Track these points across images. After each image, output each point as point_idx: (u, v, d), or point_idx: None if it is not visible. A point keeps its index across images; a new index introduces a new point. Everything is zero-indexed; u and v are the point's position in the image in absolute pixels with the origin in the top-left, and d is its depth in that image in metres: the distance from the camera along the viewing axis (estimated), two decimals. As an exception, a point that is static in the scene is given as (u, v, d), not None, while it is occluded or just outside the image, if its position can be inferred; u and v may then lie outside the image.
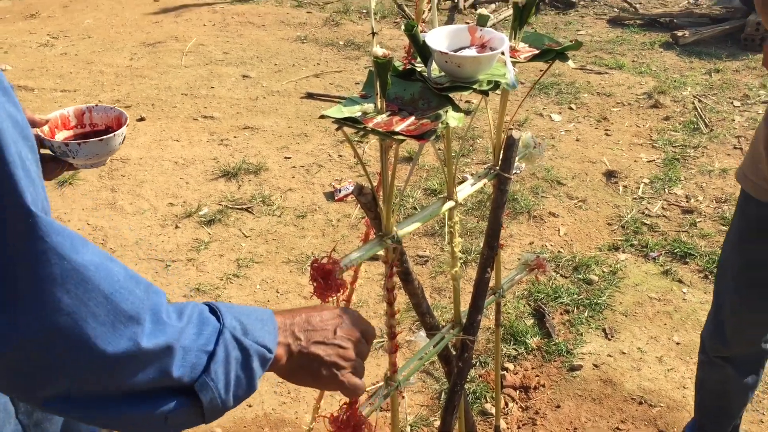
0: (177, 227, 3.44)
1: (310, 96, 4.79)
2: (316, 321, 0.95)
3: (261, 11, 6.48)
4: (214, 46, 5.63)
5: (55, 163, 1.23)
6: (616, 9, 6.32)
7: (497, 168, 1.48)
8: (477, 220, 3.40)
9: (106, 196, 3.68)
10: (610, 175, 3.85)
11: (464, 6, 6.36)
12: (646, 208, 3.55)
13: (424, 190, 3.70)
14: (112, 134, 1.20)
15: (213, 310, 0.83)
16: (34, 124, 1.21)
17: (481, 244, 1.50)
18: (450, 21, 6.14)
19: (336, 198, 3.68)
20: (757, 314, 1.78)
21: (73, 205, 3.59)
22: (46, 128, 1.24)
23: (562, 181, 3.79)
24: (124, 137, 1.24)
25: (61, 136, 1.28)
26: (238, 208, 3.60)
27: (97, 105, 1.28)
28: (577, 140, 4.21)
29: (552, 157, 4.02)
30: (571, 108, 4.59)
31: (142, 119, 4.45)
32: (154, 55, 5.46)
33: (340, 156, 4.04)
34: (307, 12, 6.45)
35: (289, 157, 4.06)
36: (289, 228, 3.46)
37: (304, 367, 0.91)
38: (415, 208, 3.56)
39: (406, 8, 6.29)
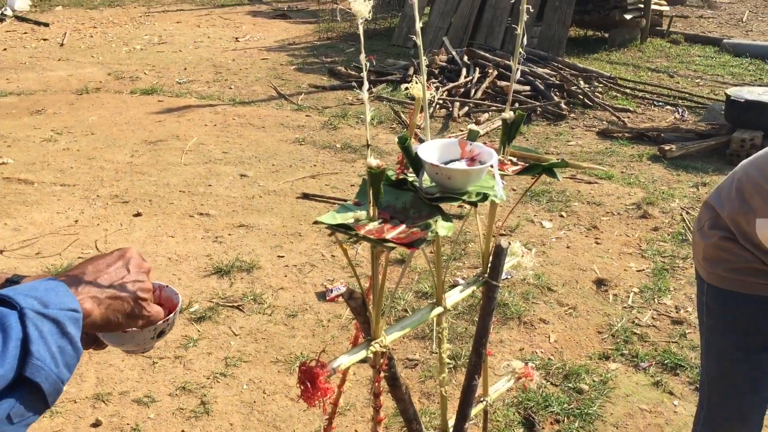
0: (166, 323, 3.42)
1: (306, 196, 4.87)
2: (105, 266, 0.98)
3: (262, 113, 6.68)
4: (214, 146, 5.77)
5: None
6: (605, 122, 6.54)
7: (486, 275, 1.51)
8: (467, 324, 3.40)
9: (98, 290, 3.67)
10: (600, 283, 3.88)
11: (458, 114, 6.58)
12: (636, 318, 3.56)
13: (415, 293, 3.71)
14: (138, 330, 1.12)
15: (3, 302, 0.83)
16: None
17: (470, 350, 1.51)
18: (444, 128, 6.33)
19: (327, 298, 3.69)
20: None
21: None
22: None
23: (552, 288, 3.81)
24: (162, 332, 1.16)
25: None
26: (229, 306, 3.59)
27: (167, 286, 1.29)
28: (568, 247, 4.27)
29: (543, 263, 4.06)
30: (561, 216, 4.68)
31: (138, 215, 4.51)
32: (155, 152, 5.58)
33: (333, 256, 4.07)
34: (306, 115, 6.65)
35: (283, 256, 4.09)
36: (279, 327, 3.44)
37: (117, 310, 0.95)
38: (406, 311, 3.56)
39: (402, 114, 6.49)
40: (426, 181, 1.31)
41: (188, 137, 5.92)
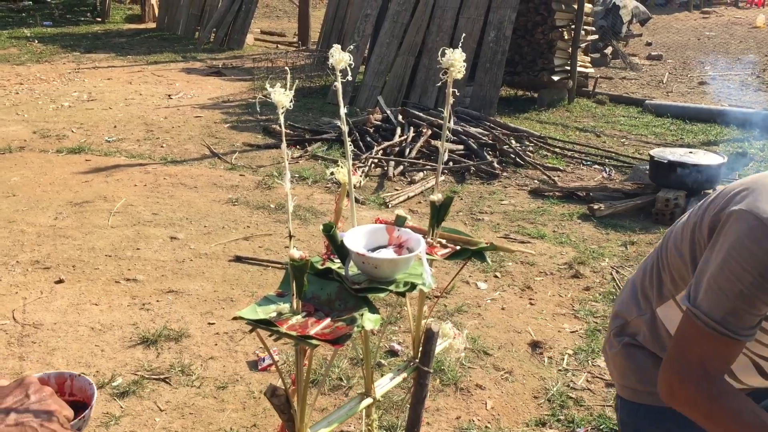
0: (87, 400, 3.24)
1: (239, 259, 4.77)
2: (2, 396, 0.91)
3: (194, 173, 6.57)
4: (144, 207, 5.62)
5: None
6: (536, 181, 6.67)
7: (416, 361, 1.46)
8: (404, 392, 3.33)
9: (13, 365, 3.46)
10: (535, 345, 3.88)
11: (393, 173, 6.61)
12: (571, 381, 3.56)
13: (350, 360, 3.63)
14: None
15: None
16: None
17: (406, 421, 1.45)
18: (380, 188, 6.34)
19: (259, 368, 3.57)
20: None
21: (-25, 375, 3.35)
22: None
23: (488, 351, 3.79)
24: (80, 429, 1.14)
25: None
26: (154, 378, 3.43)
27: (80, 375, 1.22)
28: (503, 309, 4.27)
29: (478, 326, 4.05)
30: (496, 276, 4.70)
31: (60, 281, 4.31)
32: (80, 214, 5.39)
33: (266, 323, 3.96)
34: (240, 175, 6.57)
35: (213, 323, 3.95)
36: (209, 400, 3.30)
37: None
38: (341, 379, 3.47)
39: (337, 175, 6.48)
40: (352, 268, 1.27)
41: (116, 198, 5.76)
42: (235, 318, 1.09)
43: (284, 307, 1.17)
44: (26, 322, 3.85)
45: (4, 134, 7.50)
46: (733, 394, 1.31)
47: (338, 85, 1.09)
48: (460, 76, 1.33)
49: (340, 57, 1.03)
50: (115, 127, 8.05)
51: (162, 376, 3.44)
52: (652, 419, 1.58)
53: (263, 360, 3.61)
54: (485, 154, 7.10)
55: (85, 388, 1.23)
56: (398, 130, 7.52)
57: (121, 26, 16.45)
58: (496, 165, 6.85)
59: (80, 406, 1.20)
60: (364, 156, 6.87)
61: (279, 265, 4.65)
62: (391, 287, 1.22)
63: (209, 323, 3.95)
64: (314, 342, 1.09)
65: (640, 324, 1.58)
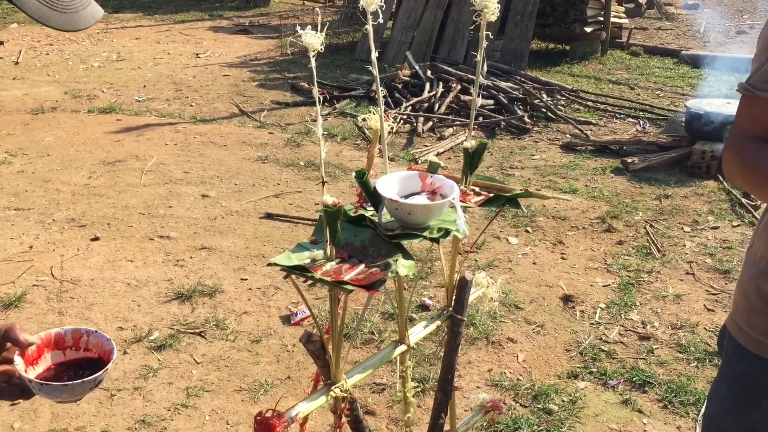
0: (125, 353, 3.31)
1: (270, 216, 4.79)
2: None
3: (223, 131, 6.59)
4: (175, 165, 5.66)
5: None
6: (568, 135, 6.57)
7: (450, 309, 1.46)
8: (436, 345, 3.35)
9: (53, 320, 3.55)
10: (567, 299, 3.86)
11: (422, 129, 6.55)
12: (604, 334, 3.55)
13: (381, 314, 3.65)
14: (80, 381, 1.16)
15: None
16: (17, 344, 1.17)
17: (440, 371, 1.46)
18: (409, 144, 6.30)
19: (292, 322, 3.61)
20: None
21: (17, 329, 3.44)
22: (33, 348, 1.20)
23: (519, 306, 3.78)
24: (100, 381, 1.17)
25: (44, 362, 1.23)
26: (190, 333, 3.49)
27: (96, 331, 1.25)
28: (534, 263, 4.25)
29: (509, 280, 4.04)
30: (527, 231, 4.66)
31: (96, 239, 4.38)
32: (113, 173, 5.45)
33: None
34: (269, 133, 6.57)
35: (246, 279, 4.00)
36: (243, 354, 3.36)
37: None
38: (373, 333, 3.50)
39: (367, 131, 6.45)
40: (385, 215, 1.26)
41: (148, 157, 5.80)
42: (269, 264, 1.09)
43: (318, 253, 1.17)
44: (64, 279, 3.93)
45: (36, 95, 7.58)
46: (761, 150, 1.40)
47: (369, 27, 1.06)
48: (494, 18, 1.30)
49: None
50: (144, 86, 8.08)
51: (197, 330, 3.50)
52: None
53: (296, 314, 3.65)
54: (516, 108, 6.99)
55: (102, 344, 1.26)
56: (427, 86, 7.44)
57: (147, -14, 16.39)
58: (526, 119, 6.75)
59: (95, 361, 1.23)
60: (393, 111, 6.82)
61: (309, 221, 4.66)
62: (425, 233, 1.21)
63: (242, 279, 3.99)
64: (349, 287, 1.08)
65: None
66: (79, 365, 1.22)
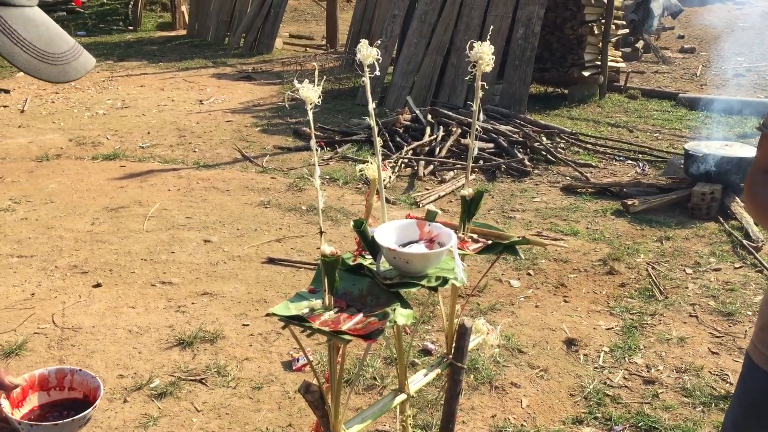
0: (125, 401, 3.29)
1: (272, 261, 4.80)
2: None
3: (226, 176, 6.63)
4: (178, 211, 5.69)
5: None
6: (568, 177, 6.61)
7: (450, 357, 1.46)
8: (438, 390, 3.32)
9: (53, 368, 3.52)
10: (570, 343, 3.84)
11: (424, 173, 6.60)
12: (608, 378, 3.52)
13: (384, 359, 3.63)
14: (70, 419, 1.17)
15: None
16: (2, 387, 1.18)
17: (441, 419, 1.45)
18: (410, 187, 6.33)
19: (294, 368, 3.59)
20: None
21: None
22: (18, 391, 1.21)
23: (522, 349, 3.76)
24: (88, 419, 1.18)
25: (29, 403, 1.25)
26: (191, 380, 3.47)
27: (80, 370, 1.27)
28: (536, 307, 4.24)
29: (512, 324, 4.02)
30: (529, 274, 4.66)
31: (98, 285, 4.38)
32: (116, 219, 5.48)
33: (299, 324, 3.98)
34: (272, 178, 6.62)
35: (248, 324, 3.99)
36: (244, 401, 3.33)
37: None
38: (375, 378, 3.47)
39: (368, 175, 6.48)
40: (384, 264, 1.27)
41: (151, 203, 5.84)
42: (268, 314, 1.10)
43: (316, 303, 1.17)
44: (65, 326, 3.93)
45: (41, 142, 7.66)
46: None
47: (366, 80, 1.09)
48: (489, 68, 1.33)
49: (367, 52, 1.03)
50: (148, 133, 8.16)
51: (198, 377, 3.48)
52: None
53: (297, 360, 3.63)
54: (516, 151, 7.05)
55: (87, 382, 1.26)
56: (428, 130, 7.51)
57: (152, 34, 16.68)
58: (527, 162, 6.80)
59: (80, 401, 1.24)
60: (394, 156, 6.87)
61: (311, 266, 4.67)
62: (423, 282, 1.22)
63: (244, 324, 3.98)
64: (347, 337, 1.09)
65: None
66: (64, 405, 1.23)
